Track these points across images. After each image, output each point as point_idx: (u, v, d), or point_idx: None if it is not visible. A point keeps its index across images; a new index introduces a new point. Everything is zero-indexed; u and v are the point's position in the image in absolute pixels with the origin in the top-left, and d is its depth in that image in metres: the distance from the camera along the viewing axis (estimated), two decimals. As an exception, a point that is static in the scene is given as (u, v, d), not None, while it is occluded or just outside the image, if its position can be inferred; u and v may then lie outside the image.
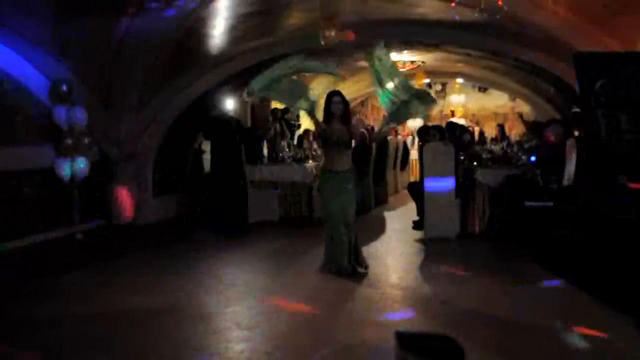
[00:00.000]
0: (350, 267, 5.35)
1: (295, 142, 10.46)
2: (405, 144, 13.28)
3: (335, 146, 5.34)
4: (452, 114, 16.66)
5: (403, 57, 11.46)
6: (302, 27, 8.21)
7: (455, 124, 8.74)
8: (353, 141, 5.62)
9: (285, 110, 10.42)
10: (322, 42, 7.20)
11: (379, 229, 8.20)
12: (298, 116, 11.98)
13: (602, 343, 3.62)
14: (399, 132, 14.37)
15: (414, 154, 13.66)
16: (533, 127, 9.17)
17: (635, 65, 5.41)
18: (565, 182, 6.21)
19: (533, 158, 7.41)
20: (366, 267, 5.49)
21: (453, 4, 6.60)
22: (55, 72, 6.86)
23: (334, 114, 5.37)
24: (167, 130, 8.91)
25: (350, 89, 15.18)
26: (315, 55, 10.02)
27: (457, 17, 7.39)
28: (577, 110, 6.76)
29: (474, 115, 16.91)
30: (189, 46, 7.78)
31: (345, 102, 5.46)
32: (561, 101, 10.55)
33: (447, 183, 7.07)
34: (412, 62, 11.67)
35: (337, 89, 6.50)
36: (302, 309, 4.37)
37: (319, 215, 7.81)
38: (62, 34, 6.43)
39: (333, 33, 7.11)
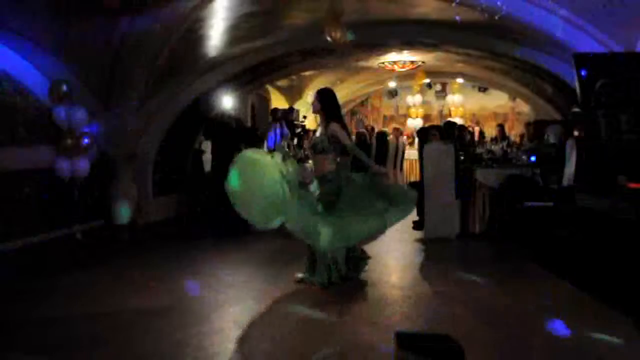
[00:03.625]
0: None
1: (295, 142, 10.47)
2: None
3: (312, 152, 5.25)
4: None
5: (403, 57, 11.45)
6: (304, 27, 8.21)
7: (454, 122, 8.69)
8: (349, 139, 5.31)
9: (286, 110, 10.43)
10: (330, 41, 7.20)
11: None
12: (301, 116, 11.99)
13: (602, 343, 3.61)
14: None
15: (413, 154, 13.62)
16: (536, 128, 9.16)
17: (635, 65, 5.42)
18: (565, 182, 6.21)
19: (533, 158, 7.42)
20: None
21: (453, 4, 6.59)
22: (55, 72, 6.86)
23: (316, 115, 5.26)
24: (167, 130, 8.90)
25: (350, 89, 15.20)
26: (315, 55, 10.10)
27: (457, 18, 7.38)
28: (577, 110, 6.76)
29: (474, 115, 16.90)
30: (189, 46, 7.78)
31: (321, 99, 5.06)
32: (561, 101, 10.55)
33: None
34: (412, 62, 11.65)
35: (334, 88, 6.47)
36: (302, 309, 4.37)
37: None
38: (63, 34, 6.42)
39: (339, 33, 7.12)
